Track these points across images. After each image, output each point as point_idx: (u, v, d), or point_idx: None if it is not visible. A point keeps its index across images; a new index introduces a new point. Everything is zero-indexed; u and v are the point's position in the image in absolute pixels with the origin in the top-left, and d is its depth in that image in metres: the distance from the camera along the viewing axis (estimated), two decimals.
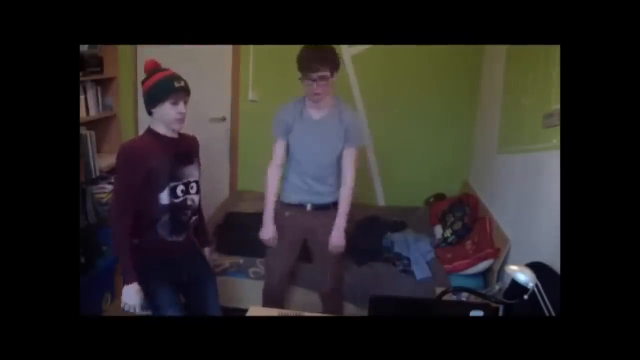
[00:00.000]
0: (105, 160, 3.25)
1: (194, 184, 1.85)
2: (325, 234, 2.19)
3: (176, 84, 1.74)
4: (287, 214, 2.22)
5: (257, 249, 2.63)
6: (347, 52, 3.46)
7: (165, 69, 1.81)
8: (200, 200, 1.92)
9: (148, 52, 3.56)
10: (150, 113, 1.81)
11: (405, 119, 3.58)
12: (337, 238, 2.18)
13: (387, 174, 3.70)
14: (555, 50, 1.93)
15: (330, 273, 2.29)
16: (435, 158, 3.62)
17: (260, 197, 2.31)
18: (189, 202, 1.82)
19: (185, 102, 1.77)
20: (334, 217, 2.20)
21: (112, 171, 3.33)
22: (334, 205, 2.20)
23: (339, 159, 2.16)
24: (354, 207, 2.45)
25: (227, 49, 3.60)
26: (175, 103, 1.73)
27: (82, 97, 2.99)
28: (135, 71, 3.63)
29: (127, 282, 1.70)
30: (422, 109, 3.54)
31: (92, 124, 3.12)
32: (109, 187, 3.16)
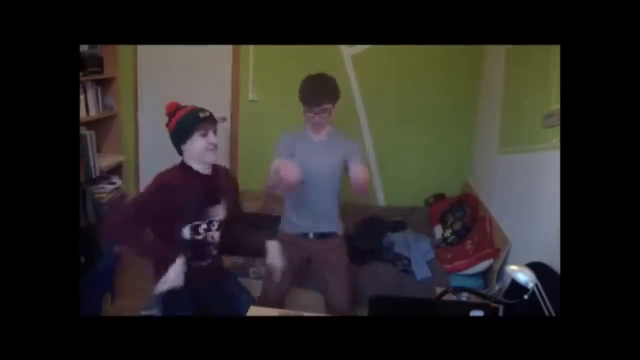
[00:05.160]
0: (105, 160, 3.26)
1: (216, 223, 1.85)
2: (329, 252, 2.20)
3: (201, 115, 1.75)
4: (287, 239, 2.19)
5: (257, 249, 2.64)
6: (347, 52, 3.46)
7: (186, 106, 1.80)
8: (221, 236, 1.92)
9: (148, 52, 3.59)
10: (180, 152, 1.79)
11: (405, 119, 3.58)
12: (358, 172, 1.98)
13: (387, 174, 3.71)
14: (555, 50, 1.93)
15: (338, 288, 2.22)
16: (435, 158, 3.63)
17: (261, 197, 2.32)
18: (209, 239, 1.85)
19: (215, 132, 1.77)
20: (337, 241, 2.22)
21: (112, 171, 3.33)
22: (336, 234, 2.23)
23: (339, 180, 2.16)
24: (354, 207, 2.46)
25: (227, 49, 3.61)
26: (204, 134, 1.73)
27: (82, 97, 2.99)
28: (135, 71, 3.64)
29: (169, 261, 1.64)
30: (422, 109, 3.54)
31: (92, 124, 3.12)
32: (109, 187, 3.17)
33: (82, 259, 2.51)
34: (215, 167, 1.86)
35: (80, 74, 2.91)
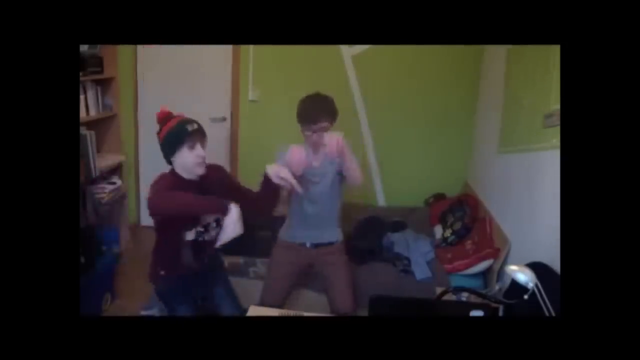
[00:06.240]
0: (105, 160, 3.26)
1: (214, 223, 1.86)
2: (328, 256, 2.21)
3: (189, 128, 1.72)
4: (286, 247, 2.23)
5: (257, 249, 2.64)
6: (347, 52, 3.46)
7: (176, 116, 1.79)
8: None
9: (148, 52, 3.60)
10: (170, 163, 1.79)
11: (405, 119, 3.58)
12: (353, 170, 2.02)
13: (387, 174, 3.71)
14: (555, 50, 1.93)
15: (340, 289, 2.23)
16: (435, 158, 3.63)
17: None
18: (207, 238, 1.86)
19: (203, 145, 1.75)
20: (336, 252, 2.23)
21: (112, 171, 3.33)
22: (335, 244, 2.23)
23: (338, 190, 2.17)
24: (354, 207, 2.46)
25: (227, 49, 3.61)
26: (192, 147, 1.71)
27: (82, 97, 2.99)
28: (135, 71, 3.64)
29: (225, 211, 1.62)
30: (422, 109, 3.54)
31: (92, 124, 3.12)
32: (109, 187, 3.17)
33: (82, 259, 2.51)
34: (207, 168, 1.83)
35: (80, 74, 2.91)
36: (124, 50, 3.47)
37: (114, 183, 3.25)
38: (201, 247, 1.86)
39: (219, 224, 1.87)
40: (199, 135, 1.75)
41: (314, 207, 2.15)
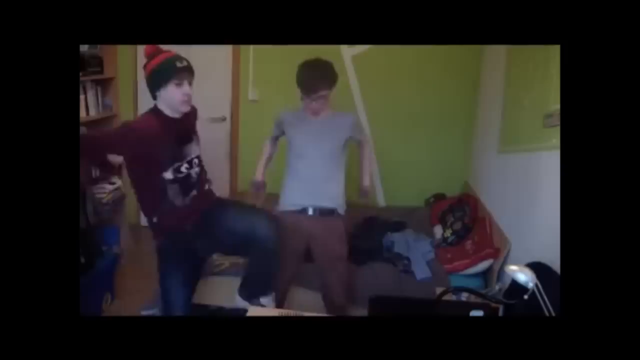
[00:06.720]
0: None
1: (196, 159, 1.85)
2: (328, 238, 2.20)
3: (178, 64, 1.71)
4: (288, 220, 2.17)
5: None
6: (347, 52, 3.46)
7: (166, 51, 1.77)
8: (202, 172, 1.92)
9: None
10: (155, 97, 1.77)
11: (405, 119, 3.58)
12: (365, 181, 2.39)
13: (387, 174, 3.70)
14: (555, 50, 1.93)
15: (335, 277, 2.27)
16: (435, 158, 3.63)
17: (261, 197, 2.32)
18: (193, 176, 1.84)
19: (190, 83, 1.74)
20: (336, 223, 2.20)
21: (112, 171, 3.33)
22: (336, 212, 2.21)
23: (340, 157, 2.17)
24: (354, 207, 2.45)
25: (227, 49, 3.60)
26: (179, 84, 1.70)
27: (82, 97, 2.99)
28: (135, 71, 3.64)
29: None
30: (422, 109, 3.54)
31: (92, 124, 3.11)
32: (109, 187, 3.17)
33: (82, 259, 2.51)
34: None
35: (80, 74, 2.90)
36: (124, 50, 3.47)
37: (114, 183, 3.25)
38: (188, 184, 1.83)
39: (200, 160, 1.87)
40: (187, 72, 1.74)
41: (311, 169, 2.15)
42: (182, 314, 1.84)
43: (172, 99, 1.72)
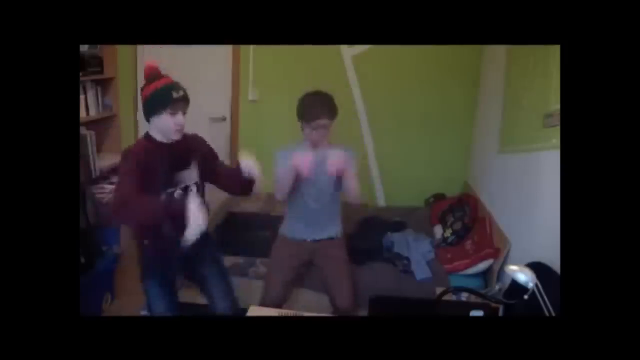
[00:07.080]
0: (105, 160, 3.25)
1: (193, 187, 1.82)
2: (330, 249, 2.23)
3: (174, 94, 1.69)
4: (287, 242, 2.27)
5: (257, 249, 2.64)
6: (347, 52, 3.46)
7: (164, 76, 1.77)
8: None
9: (148, 52, 3.59)
10: (148, 121, 1.77)
11: (405, 119, 3.58)
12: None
13: (387, 174, 3.70)
14: (555, 50, 1.93)
15: (341, 281, 2.25)
16: (435, 158, 3.62)
17: (261, 197, 2.32)
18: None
19: (184, 112, 1.73)
20: (336, 247, 2.26)
21: (112, 171, 3.33)
22: (336, 237, 2.26)
23: (337, 189, 2.17)
24: (354, 207, 2.45)
25: (227, 49, 3.60)
26: (173, 114, 1.69)
27: (82, 97, 2.99)
28: (135, 71, 3.64)
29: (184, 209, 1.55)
30: (422, 109, 3.54)
31: (92, 124, 3.12)
32: (109, 187, 3.16)
33: (82, 259, 2.51)
34: (184, 136, 1.81)
35: (80, 74, 2.91)
36: (124, 50, 3.47)
37: (114, 183, 3.25)
38: (180, 215, 1.80)
39: (199, 187, 1.85)
40: (183, 102, 1.72)
41: (314, 203, 2.16)
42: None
43: (164, 127, 1.72)
